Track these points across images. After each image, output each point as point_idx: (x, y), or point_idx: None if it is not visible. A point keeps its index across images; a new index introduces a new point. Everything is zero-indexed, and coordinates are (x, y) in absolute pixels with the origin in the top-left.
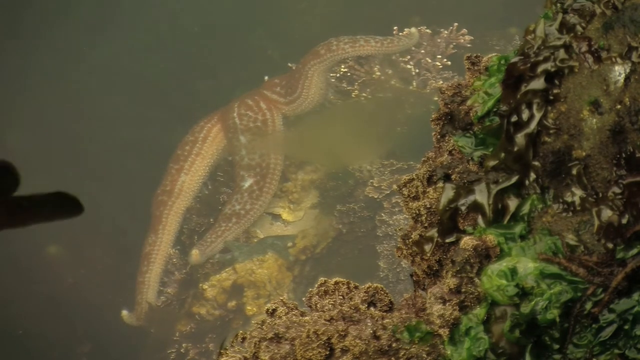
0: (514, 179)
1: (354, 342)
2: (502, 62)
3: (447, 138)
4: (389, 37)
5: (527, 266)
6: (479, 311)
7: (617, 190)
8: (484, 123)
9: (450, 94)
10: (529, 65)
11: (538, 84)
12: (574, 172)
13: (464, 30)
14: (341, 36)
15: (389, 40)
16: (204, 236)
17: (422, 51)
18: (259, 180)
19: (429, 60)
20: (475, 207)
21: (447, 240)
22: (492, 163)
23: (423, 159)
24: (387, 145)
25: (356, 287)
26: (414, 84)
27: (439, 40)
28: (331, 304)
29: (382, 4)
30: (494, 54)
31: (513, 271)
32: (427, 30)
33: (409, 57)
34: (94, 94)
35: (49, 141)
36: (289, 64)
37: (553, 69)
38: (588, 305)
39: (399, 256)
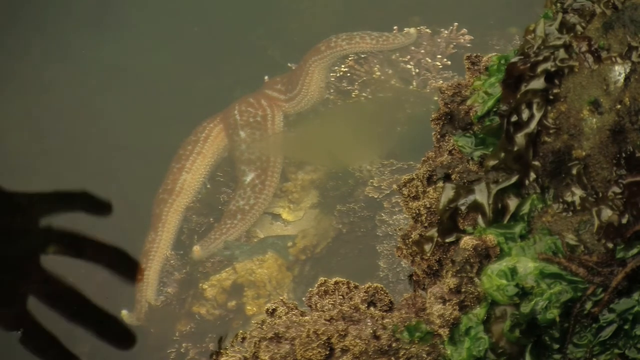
0: (514, 179)
1: (354, 342)
2: (502, 61)
3: (447, 138)
4: (384, 34)
5: (527, 266)
6: (479, 311)
7: (617, 190)
8: (484, 123)
9: (450, 93)
10: (529, 65)
11: (538, 83)
12: (574, 171)
13: (464, 30)
14: (340, 33)
15: (384, 38)
16: (208, 233)
17: (422, 51)
18: (261, 174)
19: (429, 60)
20: (475, 207)
21: (447, 240)
22: (492, 163)
23: (423, 158)
24: (387, 145)
25: (356, 287)
26: (414, 84)
27: (439, 40)
28: (331, 303)
29: (382, 4)
30: (494, 54)
31: (513, 271)
32: (427, 30)
33: (409, 57)
34: (93, 94)
35: (49, 141)
36: (289, 64)
37: (553, 69)
38: (588, 305)
39: (399, 256)
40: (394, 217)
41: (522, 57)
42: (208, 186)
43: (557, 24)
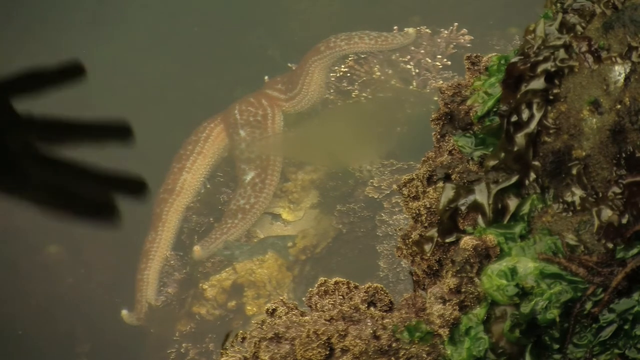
0: (514, 179)
1: (354, 342)
2: (502, 62)
3: (447, 138)
4: (383, 35)
5: (527, 266)
6: (479, 311)
7: (617, 190)
8: (484, 123)
9: (450, 94)
10: (529, 65)
11: (538, 83)
12: (574, 172)
13: (464, 30)
14: (340, 33)
15: (383, 38)
16: (209, 233)
17: (422, 51)
18: (261, 173)
19: (429, 60)
20: (475, 207)
21: (447, 240)
22: (492, 163)
23: (423, 159)
24: (387, 145)
25: (356, 287)
26: (414, 84)
27: (439, 40)
28: (331, 303)
29: (382, 4)
30: (494, 54)
31: (513, 271)
32: (427, 30)
33: (409, 57)
34: (93, 94)
35: None
36: (289, 64)
37: (553, 69)
38: (588, 305)
39: (399, 256)
40: (394, 217)
41: (522, 57)
42: (208, 186)
43: (557, 24)
